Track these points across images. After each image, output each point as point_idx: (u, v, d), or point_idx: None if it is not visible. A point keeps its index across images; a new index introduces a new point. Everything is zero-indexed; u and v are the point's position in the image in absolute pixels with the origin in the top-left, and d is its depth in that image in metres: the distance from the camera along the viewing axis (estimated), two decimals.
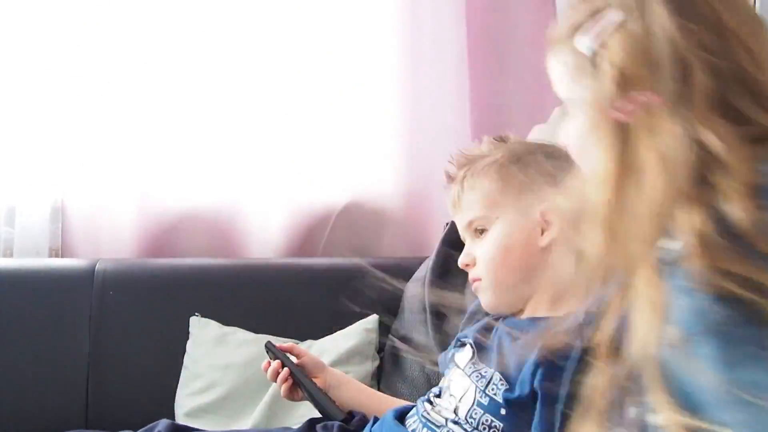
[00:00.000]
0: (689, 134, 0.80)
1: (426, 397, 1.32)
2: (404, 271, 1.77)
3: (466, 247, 1.27)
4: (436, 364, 1.58)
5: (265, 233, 1.95)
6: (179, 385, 1.69)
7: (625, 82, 0.82)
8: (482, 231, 1.24)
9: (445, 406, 1.24)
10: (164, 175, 1.95)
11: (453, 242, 1.71)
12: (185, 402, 1.66)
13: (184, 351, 1.72)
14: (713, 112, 0.81)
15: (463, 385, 1.22)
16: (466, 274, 1.63)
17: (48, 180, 1.94)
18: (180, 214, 1.95)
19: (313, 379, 1.33)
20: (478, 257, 1.24)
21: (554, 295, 1.18)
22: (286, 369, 1.31)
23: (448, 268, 1.67)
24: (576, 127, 0.92)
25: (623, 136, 0.83)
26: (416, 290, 1.69)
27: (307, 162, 1.97)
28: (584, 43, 0.86)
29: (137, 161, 1.94)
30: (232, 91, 1.95)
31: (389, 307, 1.74)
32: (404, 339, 1.66)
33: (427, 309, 1.62)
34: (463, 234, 1.28)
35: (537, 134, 1.85)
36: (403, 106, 1.95)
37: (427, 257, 1.79)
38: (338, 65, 1.95)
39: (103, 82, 1.92)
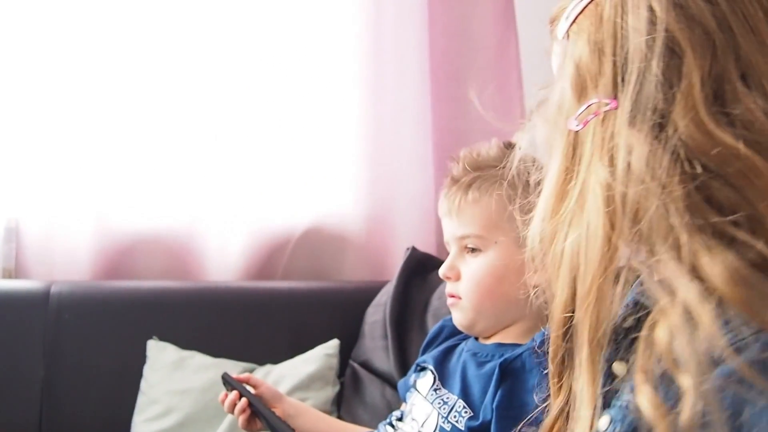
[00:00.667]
0: (668, 149, 0.61)
1: (388, 420, 1.31)
2: (364, 295, 1.78)
3: (451, 258, 1.21)
4: (396, 390, 1.58)
5: (223, 256, 1.93)
6: (136, 411, 1.65)
7: (581, 80, 0.67)
8: (474, 249, 1.19)
9: (407, 430, 1.24)
10: (121, 196, 1.92)
11: (413, 269, 1.72)
12: (142, 428, 1.62)
13: (140, 375, 1.69)
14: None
15: (425, 410, 1.21)
16: (426, 300, 1.65)
17: (2, 199, 1.89)
18: (137, 236, 1.92)
19: (272, 409, 1.32)
20: (465, 276, 1.19)
21: (531, 327, 1.18)
22: (244, 399, 1.28)
23: (409, 295, 1.68)
24: (540, 139, 0.79)
25: (575, 153, 0.68)
26: (377, 316, 1.69)
27: (267, 185, 1.95)
28: (560, 26, 0.72)
29: (94, 181, 1.90)
30: (193, 112, 1.93)
31: (348, 332, 1.73)
32: (364, 364, 1.66)
33: (389, 335, 1.62)
34: (450, 242, 1.22)
35: None
36: (365, 129, 1.95)
37: (386, 281, 1.79)
38: (300, 88, 1.95)
39: (59, 100, 1.88)
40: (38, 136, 1.89)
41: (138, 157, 1.92)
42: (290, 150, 1.96)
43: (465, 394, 1.16)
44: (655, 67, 0.63)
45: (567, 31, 0.71)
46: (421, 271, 1.72)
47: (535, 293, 1.06)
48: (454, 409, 1.16)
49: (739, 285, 0.58)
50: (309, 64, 1.94)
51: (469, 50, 1.98)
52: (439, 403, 1.19)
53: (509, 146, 1.22)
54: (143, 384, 1.67)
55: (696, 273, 0.60)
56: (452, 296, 1.22)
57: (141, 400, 1.66)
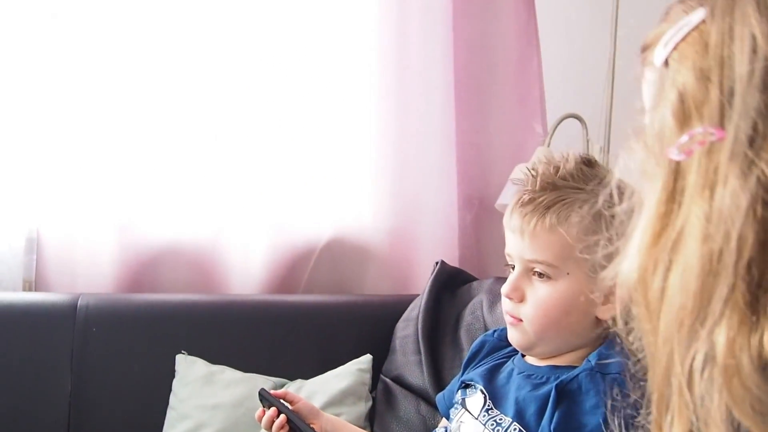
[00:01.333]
0: (749, 188, 0.60)
1: None
2: (392, 309, 1.78)
3: (516, 277, 1.17)
4: (431, 404, 1.58)
5: (246, 268, 1.92)
6: (165, 426, 1.64)
7: (685, 108, 0.65)
8: (543, 275, 1.15)
9: None
10: (144, 207, 1.90)
11: (444, 283, 1.72)
12: None
13: (169, 390, 1.67)
14: None
15: (476, 431, 1.22)
16: (458, 315, 1.66)
17: (22, 209, 1.87)
18: (160, 248, 1.90)
19: (311, 425, 1.31)
20: (530, 300, 1.16)
21: (588, 352, 1.16)
22: (282, 416, 1.26)
23: (440, 310, 1.68)
24: (635, 166, 0.73)
25: (676, 184, 0.65)
26: (408, 330, 1.69)
27: (290, 197, 1.95)
28: (658, 52, 0.69)
29: (117, 191, 1.89)
30: (216, 124, 1.92)
31: (378, 346, 1.73)
32: (397, 379, 1.66)
33: (422, 351, 1.62)
34: (516, 259, 1.18)
35: (518, 173, 1.88)
36: (389, 142, 1.95)
37: (414, 295, 1.79)
38: (325, 101, 1.94)
39: (82, 109, 1.86)
40: (59, 144, 1.87)
41: (161, 168, 1.91)
42: (314, 162, 1.95)
43: (520, 417, 1.16)
44: (753, 99, 0.61)
45: (666, 58, 0.69)
46: (451, 285, 1.73)
47: (607, 325, 1.06)
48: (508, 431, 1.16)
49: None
50: (334, 77, 1.94)
51: (492, 65, 1.99)
52: (492, 424, 1.19)
53: (587, 163, 1.19)
54: (172, 399, 1.66)
55: None
56: (514, 317, 1.19)
57: (170, 415, 1.65)
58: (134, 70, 1.89)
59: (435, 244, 1.95)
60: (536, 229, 1.14)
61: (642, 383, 0.89)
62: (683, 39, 0.67)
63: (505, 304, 1.21)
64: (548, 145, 1.92)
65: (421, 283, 1.90)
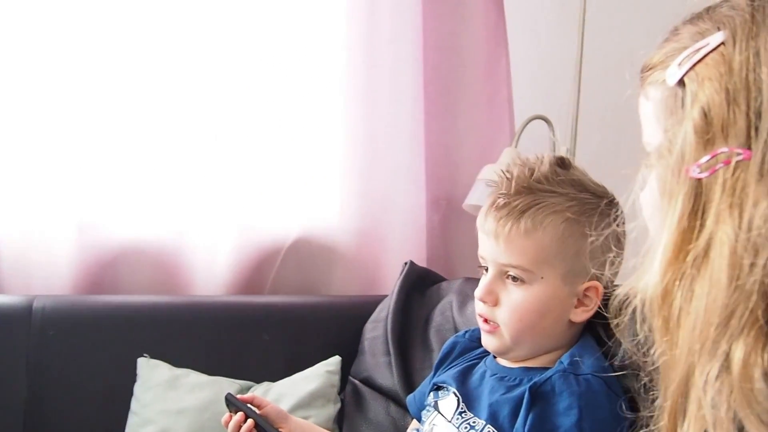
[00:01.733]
0: None
1: None
2: (360, 310, 1.75)
3: (489, 281, 1.16)
4: (401, 406, 1.56)
5: (211, 269, 1.87)
6: None
7: (708, 128, 0.66)
8: (517, 279, 1.15)
9: None
10: (104, 205, 1.84)
11: (413, 283, 1.70)
12: None
13: (130, 395, 1.62)
14: None
15: None
16: (427, 316, 1.64)
17: None
18: (121, 248, 1.84)
19: (279, 430, 1.28)
20: (505, 304, 1.16)
21: (561, 353, 1.16)
22: (250, 421, 1.23)
23: (410, 311, 1.66)
24: (651, 184, 0.75)
25: (699, 201, 0.66)
26: (377, 332, 1.66)
27: (256, 196, 1.91)
28: (672, 71, 0.71)
29: (75, 190, 1.82)
30: (180, 120, 1.87)
31: (346, 348, 1.70)
32: (366, 381, 1.63)
33: (392, 352, 1.59)
34: (489, 263, 1.17)
35: (486, 174, 1.87)
36: (357, 142, 1.92)
37: (382, 296, 1.77)
38: (291, 100, 1.91)
39: (38, 105, 1.79)
40: (14, 139, 1.80)
41: (122, 165, 1.85)
42: (281, 161, 1.92)
43: (493, 419, 1.14)
44: None
45: (682, 78, 0.70)
46: (420, 285, 1.71)
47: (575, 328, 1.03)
48: None
49: None
50: (303, 76, 1.91)
51: (461, 66, 1.98)
52: (466, 427, 1.17)
53: (562, 164, 1.19)
54: (134, 404, 1.61)
55: None
56: (490, 322, 1.18)
57: (132, 420, 1.59)
58: (93, 65, 1.82)
59: (403, 245, 1.93)
60: (511, 234, 1.14)
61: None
62: (701, 60, 0.69)
63: (479, 307, 1.20)
64: (515, 147, 1.92)
65: (389, 283, 1.87)
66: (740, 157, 0.64)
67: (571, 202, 1.14)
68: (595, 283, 1.14)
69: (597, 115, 2.02)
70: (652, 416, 0.76)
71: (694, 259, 0.66)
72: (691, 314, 0.66)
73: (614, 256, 1.12)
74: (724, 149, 0.65)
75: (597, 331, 1.17)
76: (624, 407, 1.07)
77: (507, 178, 1.17)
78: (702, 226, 0.66)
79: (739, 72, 0.66)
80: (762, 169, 0.63)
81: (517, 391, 1.15)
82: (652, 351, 0.74)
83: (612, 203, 1.17)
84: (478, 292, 1.18)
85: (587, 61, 1.97)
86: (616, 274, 1.16)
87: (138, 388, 1.62)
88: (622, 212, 1.18)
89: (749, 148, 0.64)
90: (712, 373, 0.62)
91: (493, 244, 1.16)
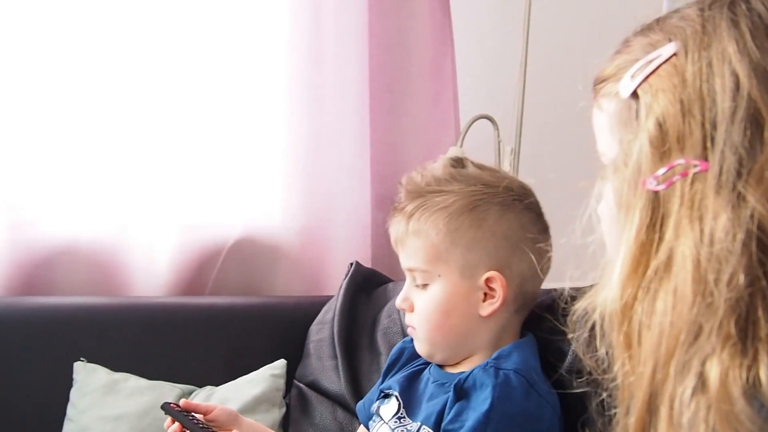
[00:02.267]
0: (745, 219, 0.61)
1: None
2: (305, 311, 1.72)
3: (405, 288, 1.20)
4: (348, 410, 1.54)
5: (150, 269, 1.82)
6: None
7: (663, 140, 0.66)
8: (422, 282, 1.18)
9: None
10: (38, 203, 1.77)
11: (359, 284, 1.68)
12: None
13: (67, 400, 1.56)
14: None
15: None
16: (374, 318, 1.62)
17: None
18: (56, 247, 1.77)
19: None
20: (416, 308, 1.19)
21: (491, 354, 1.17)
22: None
23: (356, 313, 1.64)
24: (608, 197, 0.74)
25: (656, 214, 0.66)
26: (322, 334, 1.64)
27: (197, 193, 1.86)
28: (624, 84, 0.71)
29: (6, 186, 1.75)
30: (116, 116, 1.80)
31: (290, 350, 1.67)
32: (312, 385, 1.61)
33: (339, 355, 1.57)
34: (406, 274, 1.21)
35: None
36: (301, 140, 1.89)
37: (327, 297, 1.74)
38: (236, 97, 1.86)
39: None
40: None
41: (57, 160, 1.78)
42: (223, 158, 1.87)
43: (427, 420, 1.16)
44: (738, 134, 0.63)
45: (635, 90, 0.70)
46: (366, 287, 1.69)
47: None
48: None
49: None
50: (245, 72, 1.87)
51: (406, 64, 1.96)
52: (401, 430, 1.18)
53: (458, 163, 1.22)
54: (70, 410, 1.55)
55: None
56: (410, 326, 1.22)
57: (68, 427, 1.54)
58: (34, 61, 1.75)
59: (347, 244, 1.91)
60: (403, 237, 1.18)
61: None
62: (654, 71, 0.69)
63: (405, 317, 1.24)
64: (461, 146, 1.92)
65: (334, 283, 1.85)
66: (697, 169, 0.63)
67: (457, 196, 1.16)
68: (493, 273, 1.14)
69: (542, 115, 2.03)
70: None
71: (654, 273, 0.65)
72: (653, 329, 0.65)
73: (524, 248, 1.13)
74: (681, 161, 0.64)
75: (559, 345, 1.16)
76: (550, 413, 1.09)
77: (401, 187, 1.22)
78: (661, 239, 0.65)
79: (693, 83, 0.66)
80: (720, 181, 0.62)
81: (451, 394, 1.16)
82: (613, 368, 0.73)
83: (510, 192, 1.18)
84: (396, 301, 1.22)
85: (532, 61, 1.98)
86: (545, 269, 1.17)
87: (74, 394, 1.56)
88: (531, 200, 1.19)
89: (706, 159, 0.64)
90: (687, 393, 0.61)
91: (398, 251, 1.21)
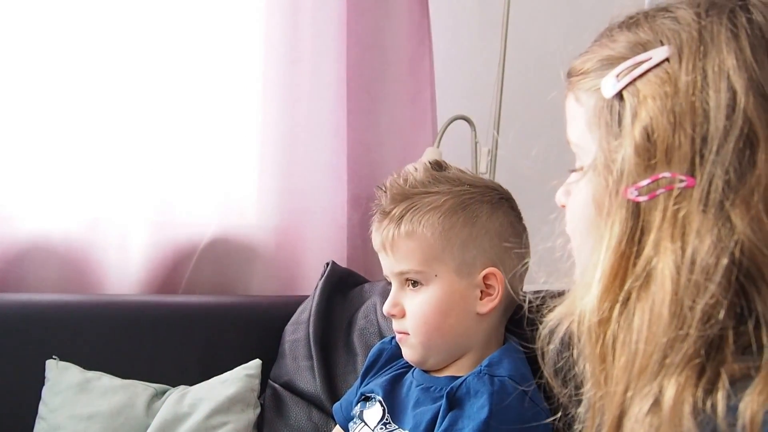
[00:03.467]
0: (730, 243, 0.59)
1: None
2: (280, 311, 1.71)
3: (393, 294, 1.19)
4: (323, 411, 1.54)
5: (123, 267, 1.79)
6: None
7: (650, 151, 0.63)
8: (416, 283, 1.17)
9: None
10: (8, 198, 1.74)
11: (335, 285, 1.67)
12: None
13: (38, 399, 1.53)
14: None
15: None
16: (350, 318, 1.61)
17: None
18: (26, 243, 1.74)
19: None
20: (409, 312, 1.17)
21: (481, 357, 1.17)
22: None
23: (331, 313, 1.64)
24: (580, 195, 0.72)
25: (636, 225, 0.64)
26: (298, 334, 1.63)
27: (171, 191, 1.84)
28: (608, 83, 0.68)
29: None
30: (89, 111, 1.78)
31: (264, 350, 1.66)
32: (287, 385, 1.60)
33: (314, 356, 1.57)
34: (391, 277, 1.20)
35: None
36: (277, 137, 1.88)
37: (302, 297, 1.73)
38: (211, 94, 1.84)
39: None
40: None
41: (28, 156, 1.75)
42: (197, 156, 1.85)
43: (416, 428, 1.15)
44: (730, 153, 0.61)
45: (621, 91, 0.67)
46: (342, 287, 1.68)
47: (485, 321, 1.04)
48: None
49: None
50: (221, 68, 1.85)
51: (384, 63, 1.96)
52: None
53: (437, 167, 1.22)
54: (42, 409, 1.53)
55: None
56: (401, 333, 1.20)
57: (40, 426, 1.51)
58: (5, 57, 1.73)
59: (323, 244, 1.90)
60: (395, 240, 1.16)
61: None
62: (642, 75, 0.65)
63: (393, 323, 1.21)
64: (438, 146, 1.92)
65: (309, 283, 1.84)
66: (683, 185, 0.61)
67: (447, 196, 1.16)
68: (492, 269, 1.15)
69: (519, 117, 2.03)
70: None
71: (632, 288, 0.63)
72: (628, 347, 0.64)
73: (513, 247, 1.14)
74: (666, 174, 0.62)
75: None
76: (544, 419, 1.09)
77: (383, 191, 1.20)
78: (639, 252, 0.63)
79: (686, 93, 0.63)
80: (707, 200, 0.60)
81: (440, 401, 1.14)
82: (581, 388, 0.72)
83: (496, 191, 1.20)
84: (385, 307, 1.20)
85: (510, 62, 1.99)
86: (522, 276, 1.17)
87: (46, 392, 1.53)
88: (513, 201, 1.20)
89: (693, 175, 0.61)
90: (643, 409, 0.61)
91: (384, 256, 1.19)
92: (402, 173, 1.22)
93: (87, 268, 1.78)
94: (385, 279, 1.24)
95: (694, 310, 0.60)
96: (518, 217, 1.22)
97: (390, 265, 1.19)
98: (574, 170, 0.78)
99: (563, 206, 0.79)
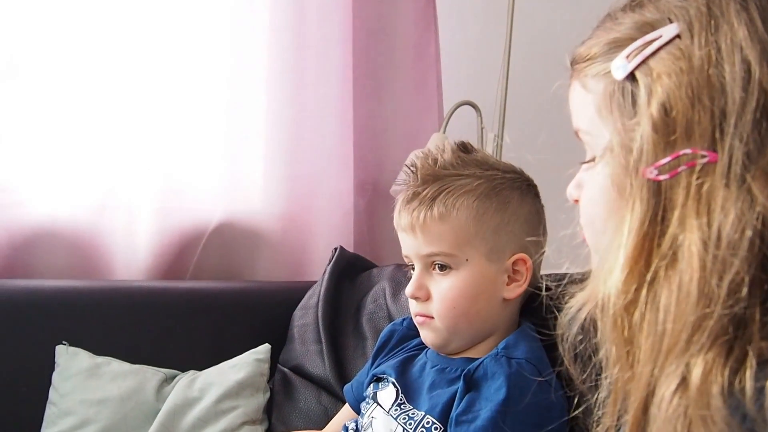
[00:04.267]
0: (752, 216, 0.59)
1: None
2: (288, 296, 1.72)
3: (417, 276, 1.17)
4: (333, 395, 1.54)
5: (130, 252, 1.80)
6: (44, 424, 1.51)
7: (669, 128, 0.63)
8: (444, 267, 1.16)
9: None
10: (16, 184, 1.74)
11: (343, 270, 1.68)
12: None
13: (48, 384, 1.54)
14: None
15: (388, 426, 1.18)
16: (359, 303, 1.62)
17: None
18: (34, 229, 1.74)
19: None
20: (436, 296, 1.16)
21: (499, 340, 1.17)
22: None
23: (340, 297, 1.64)
24: (595, 181, 0.71)
25: (659, 204, 0.63)
26: (306, 319, 1.64)
27: (178, 176, 1.84)
28: (619, 65, 0.67)
29: None
30: (97, 98, 1.78)
31: (274, 335, 1.66)
32: (296, 369, 1.61)
33: (323, 340, 1.57)
34: (414, 258, 1.18)
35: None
36: (284, 124, 1.88)
37: (310, 282, 1.74)
38: (218, 80, 1.84)
39: None
40: None
41: (35, 140, 1.75)
42: (204, 142, 1.86)
43: (432, 410, 1.15)
44: (749, 125, 0.60)
45: (632, 72, 0.67)
46: (351, 272, 1.68)
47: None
48: (421, 425, 1.14)
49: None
50: (228, 54, 1.85)
51: (390, 49, 1.96)
52: (405, 418, 1.17)
53: (464, 149, 1.21)
54: (53, 394, 1.53)
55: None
56: (423, 316, 1.18)
57: (51, 411, 1.52)
58: (9, 43, 1.72)
59: (329, 230, 1.90)
60: (426, 222, 1.14)
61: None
62: (654, 54, 0.65)
63: (413, 306, 1.20)
64: (444, 132, 1.92)
65: (316, 269, 1.85)
66: (705, 160, 0.61)
67: (480, 180, 1.15)
68: (522, 255, 1.15)
69: (525, 102, 2.04)
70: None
71: (658, 267, 0.63)
72: (654, 326, 0.63)
73: (537, 234, 1.14)
74: (687, 150, 0.61)
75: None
76: (561, 401, 1.09)
77: (412, 172, 1.18)
78: (663, 231, 0.63)
79: (701, 68, 0.62)
80: (729, 174, 0.60)
81: (457, 383, 1.15)
82: (600, 375, 0.72)
83: (523, 177, 1.20)
84: (409, 289, 1.18)
85: (516, 47, 1.99)
86: (540, 264, 1.18)
87: (56, 378, 1.54)
88: (536, 188, 1.20)
89: (715, 150, 0.61)
90: (671, 388, 0.61)
91: (412, 238, 1.17)
92: (429, 154, 1.20)
93: (95, 254, 1.78)
94: (405, 260, 1.22)
95: (721, 287, 0.59)
96: (542, 205, 1.22)
97: (416, 246, 1.17)
98: (584, 162, 0.77)
99: (576, 201, 0.78)
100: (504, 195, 1.15)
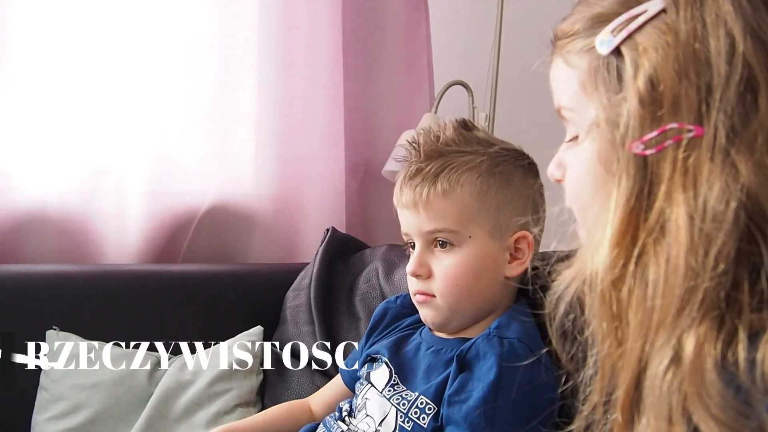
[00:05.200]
0: (736, 188, 0.59)
1: (337, 414, 1.26)
2: (281, 278, 1.71)
3: (418, 254, 1.15)
4: (326, 376, 1.54)
5: (121, 236, 1.79)
6: (36, 409, 1.50)
7: (656, 102, 0.63)
8: (445, 244, 1.14)
9: (363, 429, 1.20)
10: (6, 170, 1.72)
11: (335, 250, 1.67)
12: (46, 428, 1.47)
13: (40, 370, 1.53)
14: None
15: (382, 407, 1.17)
16: (352, 283, 1.61)
17: None
18: (24, 214, 1.73)
19: None
20: (438, 274, 1.15)
21: (496, 318, 1.16)
22: None
23: (333, 278, 1.63)
24: (580, 158, 0.71)
25: (645, 179, 0.63)
26: (299, 300, 1.63)
27: (168, 159, 1.83)
28: (604, 39, 0.67)
29: None
30: (86, 80, 1.76)
31: (266, 317, 1.66)
32: (289, 351, 1.60)
33: (316, 321, 1.57)
34: (415, 235, 1.17)
35: (405, 139, 1.85)
36: (274, 105, 1.87)
37: (302, 264, 1.73)
38: (207, 60, 1.83)
39: None
40: None
41: (24, 124, 1.73)
42: (195, 124, 1.84)
43: (426, 391, 1.14)
44: (733, 99, 0.61)
45: (618, 46, 0.66)
46: (343, 253, 1.68)
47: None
48: (415, 406, 1.14)
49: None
50: (216, 35, 1.83)
51: (380, 29, 1.95)
52: (398, 399, 1.16)
53: (465, 126, 1.20)
54: (44, 379, 1.52)
55: None
56: (424, 294, 1.17)
57: (42, 396, 1.51)
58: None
59: (321, 211, 1.90)
60: (429, 198, 1.13)
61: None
62: (639, 28, 0.65)
63: (413, 284, 1.19)
64: (435, 112, 1.91)
65: (307, 251, 1.84)
66: (691, 134, 0.61)
67: (483, 157, 1.14)
68: (524, 232, 1.14)
69: (516, 82, 2.03)
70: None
71: (646, 243, 0.63)
72: (643, 301, 0.63)
73: (538, 214, 1.13)
74: (674, 125, 0.62)
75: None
76: (553, 380, 1.09)
77: (414, 148, 1.17)
78: (650, 206, 0.63)
79: (687, 42, 0.62)
80: (714, 148, 0.60)
81: (452, 365, 1.14)
82: (587, 352, 0.72)
83: (524, 156, 1.19)
84: (410, 266, 1.16)
85: (507, 27, 1.97)
86: (539, 242, 1.17)
87: (47, 363, 1.53)
88: (536, 166, 1.20)
89: (700, 124, 0.61)
90: (664, 363, 0.60)
91: (413, 214, 1.15)
92: (430, 130, 1.19)
93: (85, 238, 1.77)
94: (404, 238, 1.20)
95: (708, 260, 0.59)
96: (541, 183, 1.21)
97: (418, 223, 1.15)
98: (567, 141, 0.76)
99: (558, 181, 0.78)
100: (507, 173, 1.15)
